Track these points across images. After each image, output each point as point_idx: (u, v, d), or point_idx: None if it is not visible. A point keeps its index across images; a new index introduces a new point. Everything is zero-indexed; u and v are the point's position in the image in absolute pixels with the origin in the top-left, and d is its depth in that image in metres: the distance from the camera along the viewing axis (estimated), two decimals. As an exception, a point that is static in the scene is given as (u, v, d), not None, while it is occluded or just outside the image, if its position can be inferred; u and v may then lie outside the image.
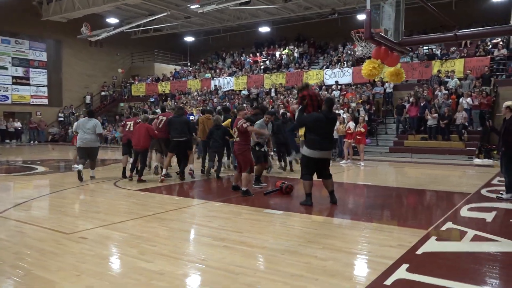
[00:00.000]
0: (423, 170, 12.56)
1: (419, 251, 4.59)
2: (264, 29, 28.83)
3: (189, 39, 33.14)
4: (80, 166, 9.86)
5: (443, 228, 5.56)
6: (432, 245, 4.80)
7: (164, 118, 10.19)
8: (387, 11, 7.35)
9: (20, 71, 27.00)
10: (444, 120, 15.61)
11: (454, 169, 12.77)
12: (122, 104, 30.45)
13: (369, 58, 7.43)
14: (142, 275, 3.95)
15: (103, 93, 30.53)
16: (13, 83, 26.71)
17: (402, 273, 3.97)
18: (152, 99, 27.24)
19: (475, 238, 5.08)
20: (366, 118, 15.73)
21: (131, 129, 10.28)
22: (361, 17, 25.04)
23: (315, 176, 7.07)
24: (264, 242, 4.95)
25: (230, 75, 25.92)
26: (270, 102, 20.85)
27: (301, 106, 7.03)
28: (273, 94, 22.76)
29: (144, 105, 26.40)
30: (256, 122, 9.38)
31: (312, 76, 22.33)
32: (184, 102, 24.25)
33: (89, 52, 30.32)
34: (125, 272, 4.06)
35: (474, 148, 14.88)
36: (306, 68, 23.24)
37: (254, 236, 5.18)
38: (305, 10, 24.96)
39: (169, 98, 25.98)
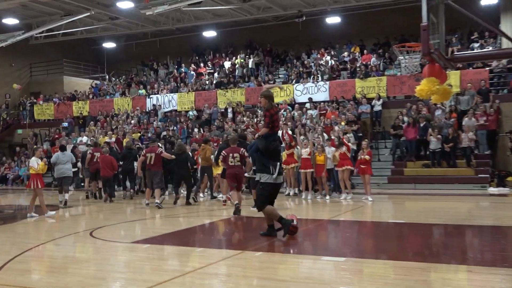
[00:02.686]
0: (443, 203, 13.78)
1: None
2: (209, 34, 29.58)
3: (107, 45, 32.93)
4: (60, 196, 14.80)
5: (541, 265, 6.43)
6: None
7: (153, 154, 13.94)
8: (434, 24, 8.34)
9: None
10: (448, 143, 17.14)
11: (473, 201, 14.14)
12: (20, 131, 29.29)
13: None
14: None
15: (-7, 117, 29.21)
16: None
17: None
18: (65, 124, 26.58)
19: None
20: (351, 142, 16.94)
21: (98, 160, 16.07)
22: (330, 20, 26.75)
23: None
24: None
25: (171, 91, 26.16)
26: (232, 125, 21.38)
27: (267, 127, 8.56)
28: (230, 115, 23.34)
29: (57, 132, 25.66)
30: None
31: (279, 92, 23.29)
32: (114, 128, 23.99)
33: (-29, 62, 29.03)
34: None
35: (487, 175, 16.49)
36: (271, 82, 24.16)
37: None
38: (263, 12, 26.15)
39: (91, 123, 25.51)
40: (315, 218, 11.61)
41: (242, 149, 12.15)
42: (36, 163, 12.26)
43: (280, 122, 19.93)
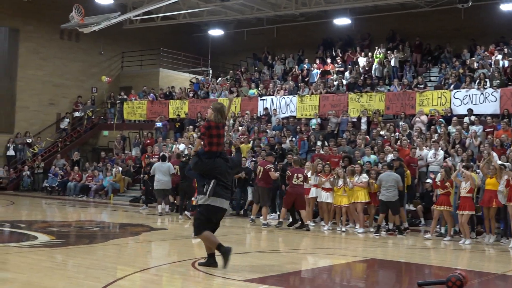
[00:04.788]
0: None
1: None
2: (342, 22, 29.78)
3: (213, 32, 34.16)
4: (160, 207, 19.02)
5: None
6: None
7: (262, 168, 16.54)
8: None
9: (-44, 76, 27.96)
10: None
11: None
12: (106, 133, 31.05)
13: None
14: None
15: (76, 114, 31.24)
16: None
17: None
18: (159, 124, 27.70)
19: None
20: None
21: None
22: (507, 6, 25.80)
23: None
24: None
25: (290, 93, 26.44)
26: (366, 140, 21.16)
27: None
28: (363, 126, 23.14)
29: (149, 136, 26.86)
30: None
31: (432, 100, 22.75)
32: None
33: (58, 49, 31.43)
34: None
35: None
36: (421, 85, 23.66)
37: None
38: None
39: (189, 127, 26.39)
40: (479, 270, 11.14)
41: (305, 170, 16.40)
42: None
43: (418, 140, 19.64)
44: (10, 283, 8.13)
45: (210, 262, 9.36)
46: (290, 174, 15.90)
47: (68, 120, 30.91)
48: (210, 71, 33.88)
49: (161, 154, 20.05)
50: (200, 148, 9.46)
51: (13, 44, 29.87)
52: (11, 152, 29.05)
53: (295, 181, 15.68)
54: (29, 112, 30.44)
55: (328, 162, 17.39)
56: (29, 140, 29.44)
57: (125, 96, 31.19)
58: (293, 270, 10.12)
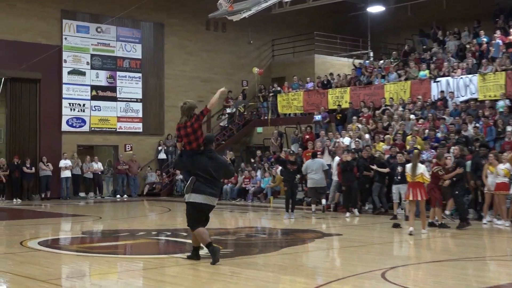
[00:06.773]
0: None
1: None
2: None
3: (372, 9, 32.91)
4: (314, 206, 19.42)
5: None
6: None
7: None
8: None
9: (102, 77, 28.51)
10: None
11: None
12: (260, 130, 30.62)
13: None
14: None
15: (227, 111, 31.03)
16: (93, 97, 28.18)
17: None
18: (318, 117, 26.82)
19: None
20: None
21: None
22: None
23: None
24: None
25: (469, 72, 24.60)
26: None
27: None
28: None
29: (308, 130, 26.03)
30: None
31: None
32: (386, 124, 23.44)
33: (204, 41, 31.48)
34: None
35: None
36: None
37: None
38: None
39: (354, 118, 25.32)
40: None
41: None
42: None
43: None
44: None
45: (194, 254, 10.39)
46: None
47: (226, 116, 30.92)
48: (371, 54, 32.82)
49: (312, 152, 20.44)
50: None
51: (159, 40, 30.15)
52: (162, 155, 29.32)
53: None
54: (178, 111, 29.97)
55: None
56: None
57: (278, 88, 30.54)
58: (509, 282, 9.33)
